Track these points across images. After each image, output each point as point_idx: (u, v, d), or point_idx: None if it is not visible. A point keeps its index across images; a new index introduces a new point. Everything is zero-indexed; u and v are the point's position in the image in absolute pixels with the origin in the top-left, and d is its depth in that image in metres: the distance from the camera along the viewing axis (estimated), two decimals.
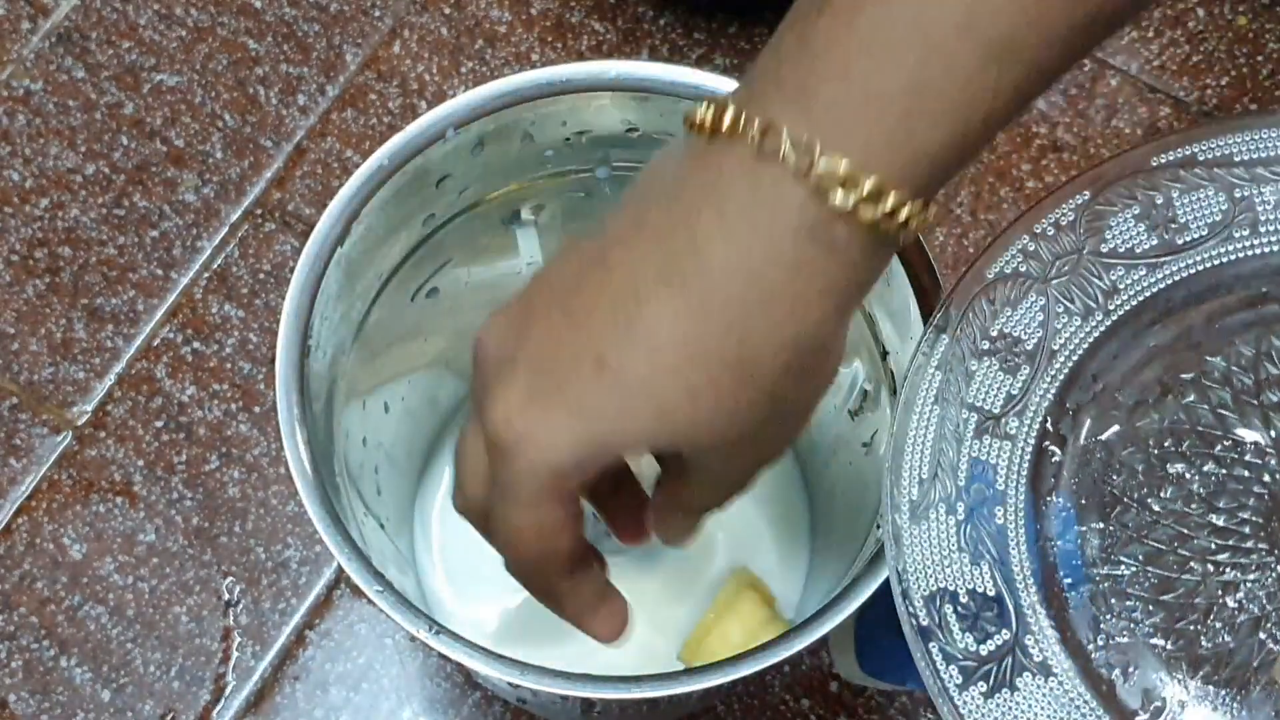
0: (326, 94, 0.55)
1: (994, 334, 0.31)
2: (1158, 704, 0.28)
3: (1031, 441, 0.30)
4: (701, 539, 0.46)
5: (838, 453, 0.43)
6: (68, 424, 0.50)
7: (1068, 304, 0.31)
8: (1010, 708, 0.28)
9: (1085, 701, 0.28)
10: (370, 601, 0.33)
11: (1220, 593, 0.29)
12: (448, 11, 0.56)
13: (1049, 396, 0.30)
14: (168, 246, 0.53)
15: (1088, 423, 0.30)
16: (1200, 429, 0.30)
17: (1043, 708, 0.28)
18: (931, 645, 0.29)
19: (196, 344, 0.51)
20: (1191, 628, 0.29)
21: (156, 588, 0.48)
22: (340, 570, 0.48)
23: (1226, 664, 0.29)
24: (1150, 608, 0.29)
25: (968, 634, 0.29)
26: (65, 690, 0.47)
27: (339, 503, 0.35)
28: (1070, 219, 0.31)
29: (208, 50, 0.56)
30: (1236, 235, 0.31)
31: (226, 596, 0.48)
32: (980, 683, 0.29)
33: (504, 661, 0.32)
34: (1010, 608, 0.29)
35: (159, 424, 0.50)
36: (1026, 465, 0.30)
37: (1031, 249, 0.31)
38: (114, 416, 0.50)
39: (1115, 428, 0.30)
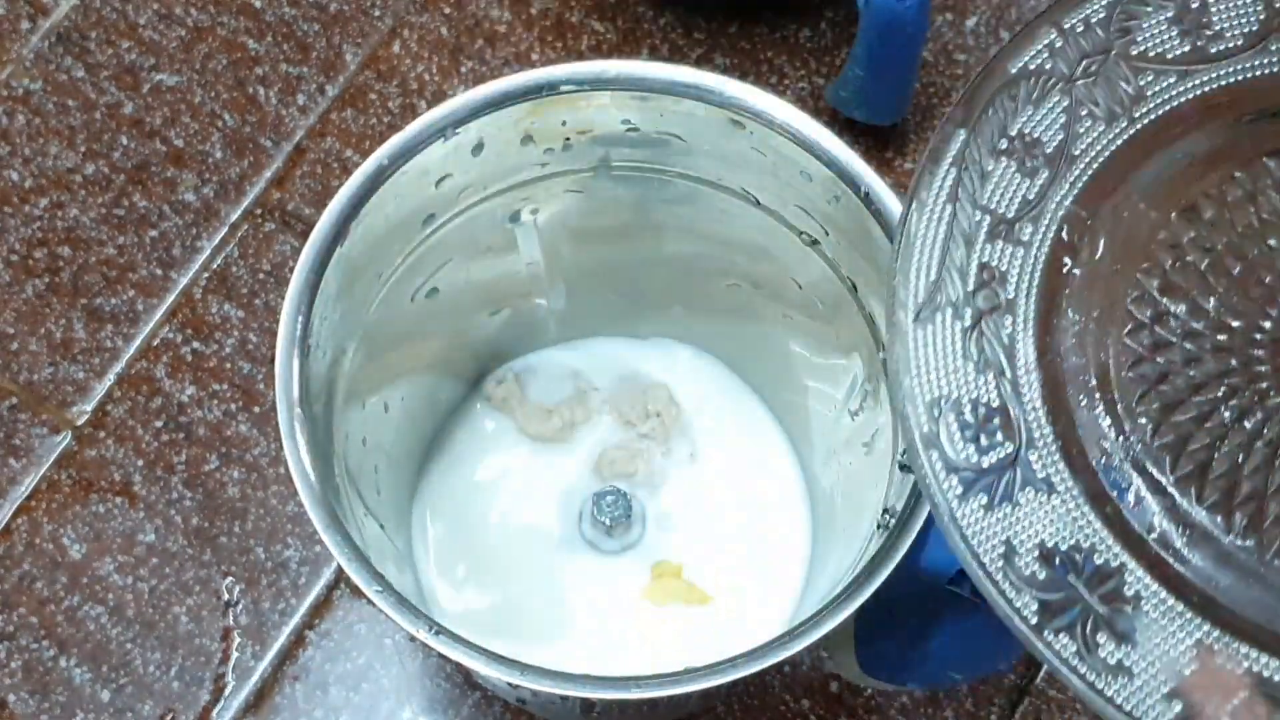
0: (326, 94, 0.55)
1: (1013, 133, 0.29)
2: (1164, 528, 0.27)
3: (1045, 250, 0.29)
4: (696, 539, 0.46)
5: (838, 453, 0.43)
6: (67, 424, 0.50)
7: (1092, 107, 0.29)
8: (1011, 523, 0.27)
9: (1089, 521, 0.27)
10: (370, 602, 0.33)
11: (1234, 417, 0.28)
12: (447, 11, 0.56)
13: (1066, 204, 0.29)
14: (167, 246, 0.53)
15: (1104, 235, 0.29)
16: (1220, 248, 0.29)
17: (1044, 525, 0.27)
18: (932, 453, 0.28)
19: (196, 344, 0.51)
20: (1202, 452, 0.28)
21: (156, 588, 0.48)
22: (340, 570, 0.48)
23: (1238, 491, 0.27)
24: (1160, 429, 0.28)
25: (969, 444, 0.28)
26: (65, 690, 0.47)
27: (338, 503, 0.35)
28: (1101, 16, 0.30)
29: (207, 50, 0.56)
30: (1273, 48, 0.29)
31: (226, 597, 0.48)
32: (981, 495, 0.27)
33: (504, 661, 0.32)
34: (1014, 420, 0.28)
35: (159, 424, 0.50)
36: (1039, 275, 0.29)
37: (1058, 45, 0.29)
38: (113, 416, 0.50)
39: (1132, 241, 0.29)
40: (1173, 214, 0.29)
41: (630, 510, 0.45)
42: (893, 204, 0.36)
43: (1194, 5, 0.30)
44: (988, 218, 0.29)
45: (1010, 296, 0.29)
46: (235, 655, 0.47)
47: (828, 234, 0.39)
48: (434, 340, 0.44)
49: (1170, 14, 0.30)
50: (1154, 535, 0.27)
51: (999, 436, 0.28)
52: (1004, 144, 0.29)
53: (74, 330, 0.51)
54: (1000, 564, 0.27)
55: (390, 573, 0.35)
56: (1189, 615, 0.27)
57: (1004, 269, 0.29)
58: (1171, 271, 0.29)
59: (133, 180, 0.54)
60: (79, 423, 0.50)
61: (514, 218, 0.42)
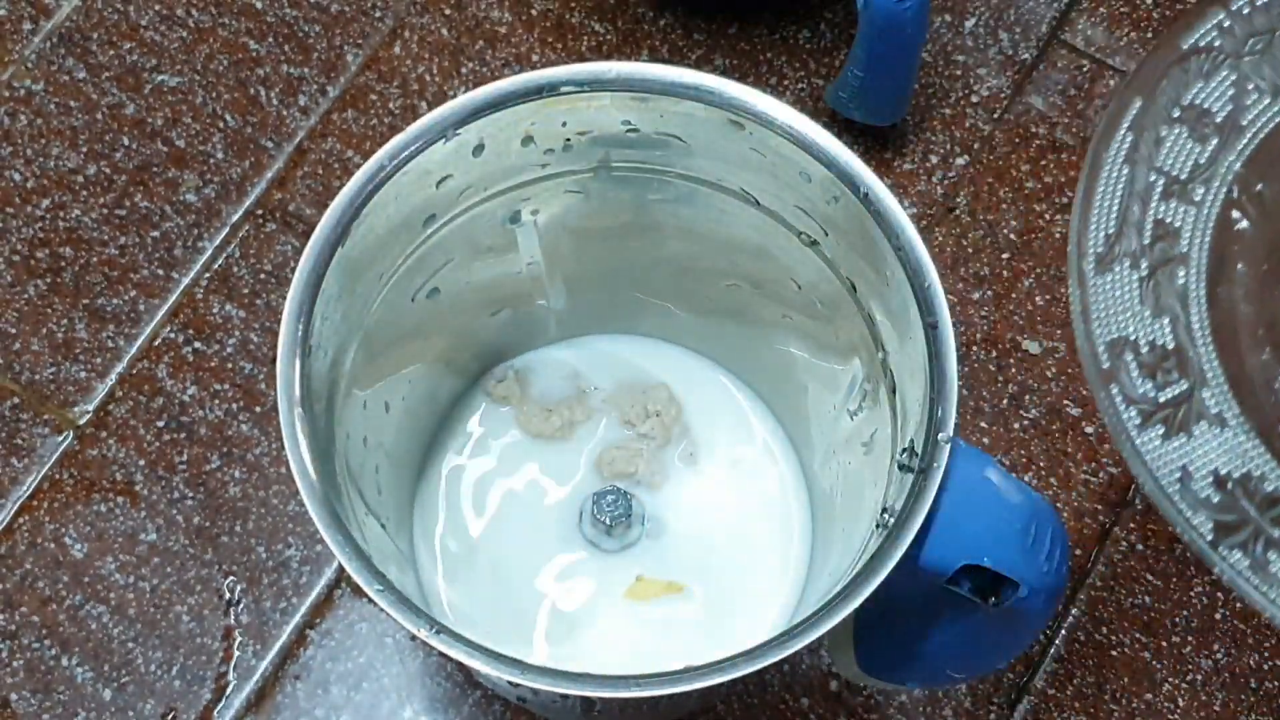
0: (327, 94, 0.55)
1: (1185, 103, 0.32)
2: None
3: (1216, 209, 0.31)
4: (696, 538, 0.46)
5: (837, 452, 0.44)
6: (69, 424, 0.50)
7: (1258, 81, 0.32)
8: (1186, 451, 0.30)
9: (1260, 453, 0.30)
10: (371, 601, 0.33)
11: None
12: (448, 12, 0.56)
13: (1235, 169, 0.32)
14: (169, 247, 0.53)
15: (1271, 197, 0.31)
16: None
17: (1218, 454, 0.30)
18: (1112, 387, 0.31)
19: (198, 344, 0.51)
20: None
21: (158, 587, 0.48)
22: (341, 569, 0.48)
23: None
24: None
25: (1147, 380, 0.31)
26: (67, 689, 0.47)
27: (339, 503, 0.35)
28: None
29: (209, 51, 0.56)
30: None
31: (228, 596, 0.48)
32: (1158, 426, 0.30)
33: (504, 660, 0.32)
34: (1189, 361, 0.31)
35: (160, 424, 0.50)
36: (1210, 231, 0.31)
37: (1226, 25, 0.32)
38: (115, 416, 0.50)
39: None
40: None
41: (630, 509, 0.45)
42: (892, 204, 0.36)
43: None
44: (1162, 178, 0.32)
45: (1184, 250, 0.32)
46: (237, 654, 0.48)
47: (827, 234, 0.39)
48: (434, 340, 0.44)
49: None
50: None
51: (1174, 375, 0.31)
52: (1177, 112, 0.32)
53: (76, 330, 0.52)
54: (1177, 487, 0.30)
55: (391, 571, 0.35)
56: None
57: (1177, 225, 0.32)
58: None
59: (134, 181, 0.54)
60: (81, 422, 0.50)
61: (514, 218, 0.42)
